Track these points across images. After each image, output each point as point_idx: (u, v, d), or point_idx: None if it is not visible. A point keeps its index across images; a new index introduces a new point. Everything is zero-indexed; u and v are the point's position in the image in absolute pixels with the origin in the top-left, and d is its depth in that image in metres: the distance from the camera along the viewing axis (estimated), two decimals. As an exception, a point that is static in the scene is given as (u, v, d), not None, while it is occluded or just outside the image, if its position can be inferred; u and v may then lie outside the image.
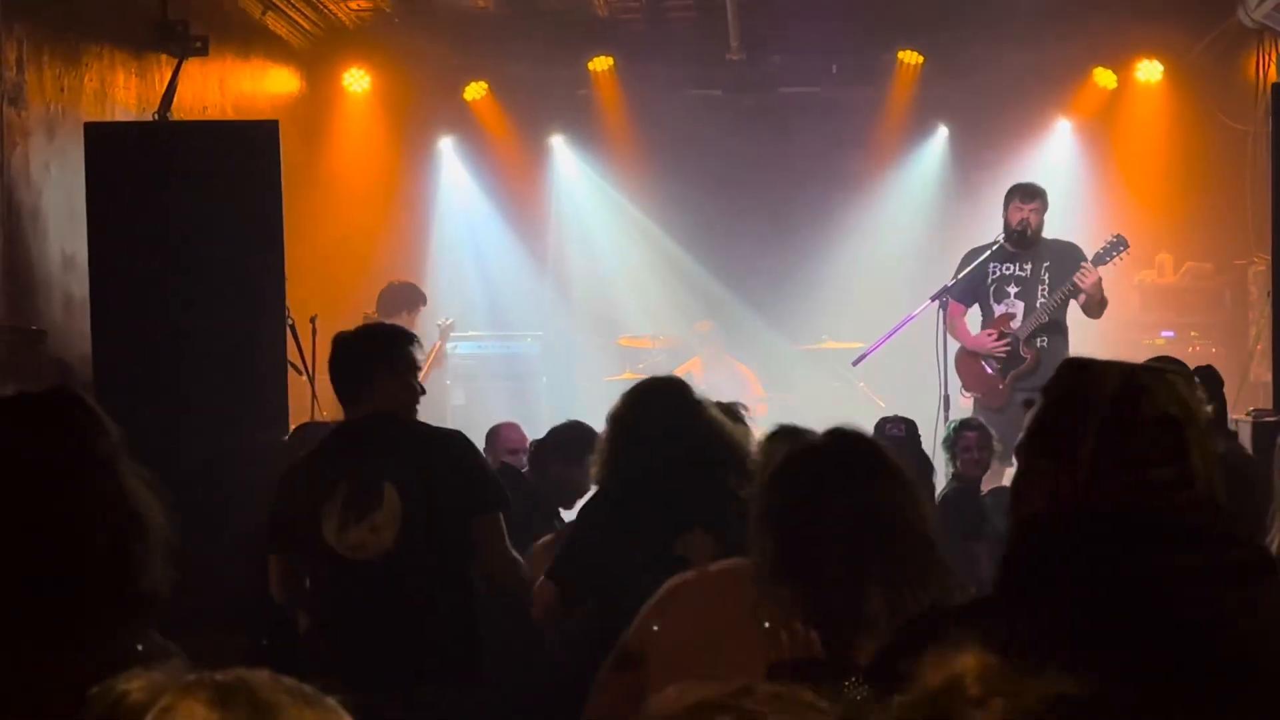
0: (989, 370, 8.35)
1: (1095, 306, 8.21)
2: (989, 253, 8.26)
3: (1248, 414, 6.87)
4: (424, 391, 4.56)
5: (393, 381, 4.45)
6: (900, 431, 6.04)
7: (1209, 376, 5.78)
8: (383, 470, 4.23)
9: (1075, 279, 8.03)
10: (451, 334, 10.50)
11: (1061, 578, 1.78)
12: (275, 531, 4.46)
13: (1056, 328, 8.27)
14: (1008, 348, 8.24)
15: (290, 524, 4.35)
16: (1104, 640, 1.69)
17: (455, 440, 4.49)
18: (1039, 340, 8.23)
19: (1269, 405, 7.07)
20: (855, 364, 8.81)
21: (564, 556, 4.30)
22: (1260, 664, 1.69)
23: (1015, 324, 8.26)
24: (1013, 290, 8.30)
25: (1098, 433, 1.88)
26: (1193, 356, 10.07)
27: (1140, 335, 10.76)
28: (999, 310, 8.33)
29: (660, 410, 4.31)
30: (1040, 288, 8.21)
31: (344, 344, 4.61)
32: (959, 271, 8.31)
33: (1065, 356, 8.08)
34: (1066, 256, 8.23)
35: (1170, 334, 10.79)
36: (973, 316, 8.63)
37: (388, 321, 9.55)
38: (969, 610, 1.89)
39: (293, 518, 4.33)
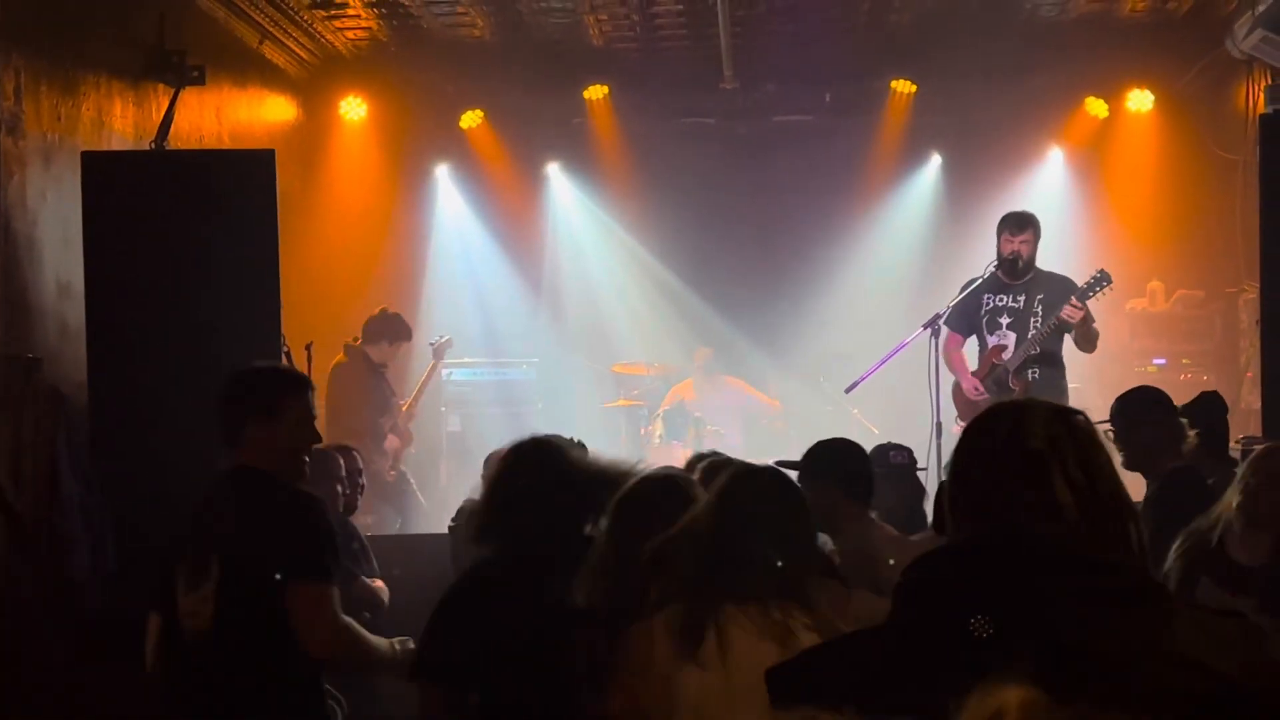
0: (981, 404, 8.40)
1: (1085, 341, 8.24)
2: (981, 282, 8.32)
3: (1237, 441, 6.90)
4: (311, 444, 4.12)
5: (265, 432, 4.01)
6: (904, 459, 6.11)
7: (1211, 403, 5.82)
8: (215, 539, 3.92)
9: (1062, 314, 8.06)
10: (448, 352, 10.47)
11: (917, 605, 1.86)
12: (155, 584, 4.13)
13: (1050, 359, 8.29)
14: (986, 397, 8.27)
15: (160, 578, 4.05)
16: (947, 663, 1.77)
17: (292, 505, 3.97)
18: (1030, 372, 8.26)
19: (1259, 433, 7.11)
20: (848, 391, 8.84)
21: (435, 648, 3.77)
22: (1116, 686, 1.75)
23: (1006, 355, 8.31)
24: (1005, 321, 8.35)
25: (950, 465, 1.98)
26: (1184, 384, 10.13)
27: (1132, 363, 10.82)
28: (991, 341, 8.39)
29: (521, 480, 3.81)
30: (1033, 319, 8.25)
31: (224, 382, 4.21)
32: (945, 315, 8.33)
33: (1058, 387, 8.19)
34: (1060, 289, 8.25)
35: (1162, 361, 10.85)
36: (972, 346, 8.69)
37: (368, 348, 9.57)
38: (860, 638, 1.97)
39: (161, 572, 4.05)
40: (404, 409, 9.80)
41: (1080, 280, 8.33)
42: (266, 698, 3.90)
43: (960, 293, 8.39)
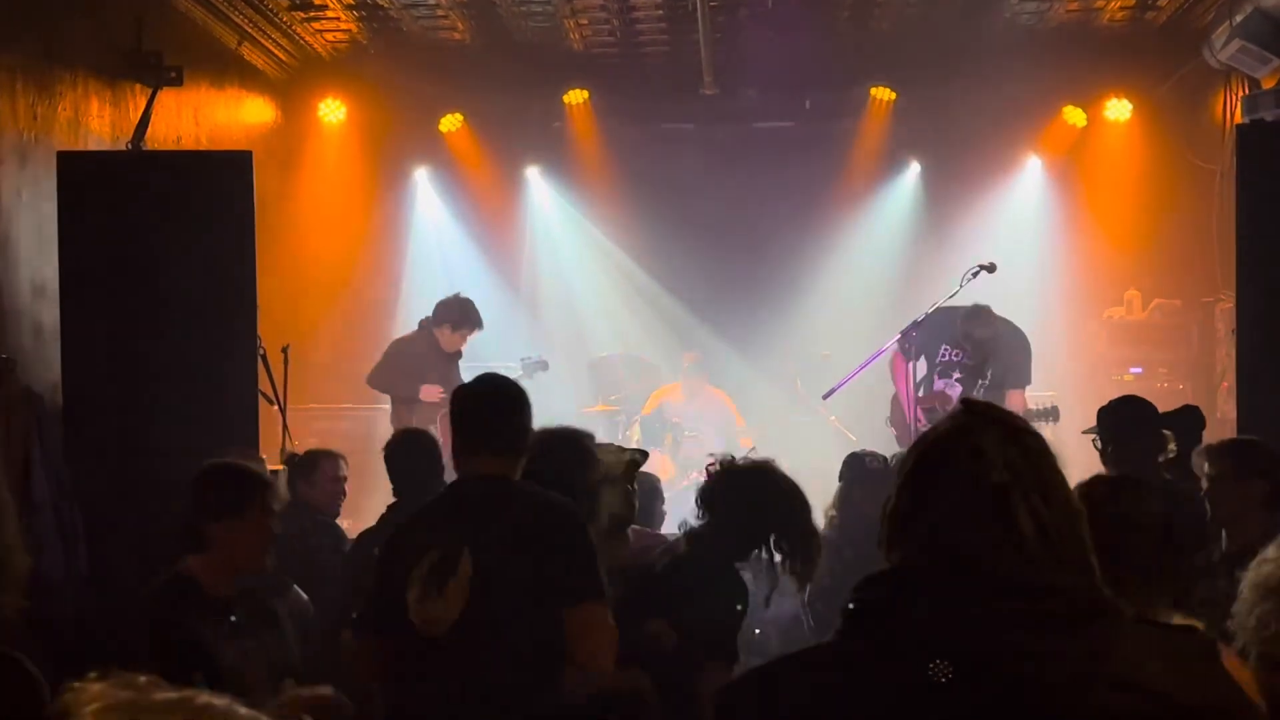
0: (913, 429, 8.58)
1: None
2: (942, 328, 8.57)
3: (1215, 450, 6.91)
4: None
5: (523, 442, 3.99)
6: (879, 465, 6.21)
7: (1187, 420, 5.82)
8: (466, 536, 3.76)
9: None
10: (537, 374, 10.14)
11: (864, 627, 1.88)
12: (365, 609, 4.00)
13: None
14: (925, 425, 8.48)
15: (380, 600, 3.89)
16: (908, 689, 1.77)
17: (559, 513, 3.86)
18: None
19: (1234, 442, 7.11)
20: (826, 397, 8.85)
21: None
22: (1060, 710, 1.76)
23: (950, 406, 8.48)
24: (956, 375, 8.74)
25: (899, 490, 1.96)
26: (1160, 393, 10.13)
27: (1110, 371, 10.84)
28: (939, 385, 8.65)
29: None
30: (981, 381, 8.64)
31: (501, 390, 4.06)
32: (922, 321, 8.34)
33: None
34: (1010, 356, 8.68)
35: (1139, 370, 10.88)
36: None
37: (436, 332, 9.40)
38: (807, 657, 1.97)
39: (382, 592, 3.87)
40: None
41: (1060, 287, 8.50)
42: (515, 702, 3.72)
43: (930, 317, 8.37)
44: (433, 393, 9.18)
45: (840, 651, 1.87)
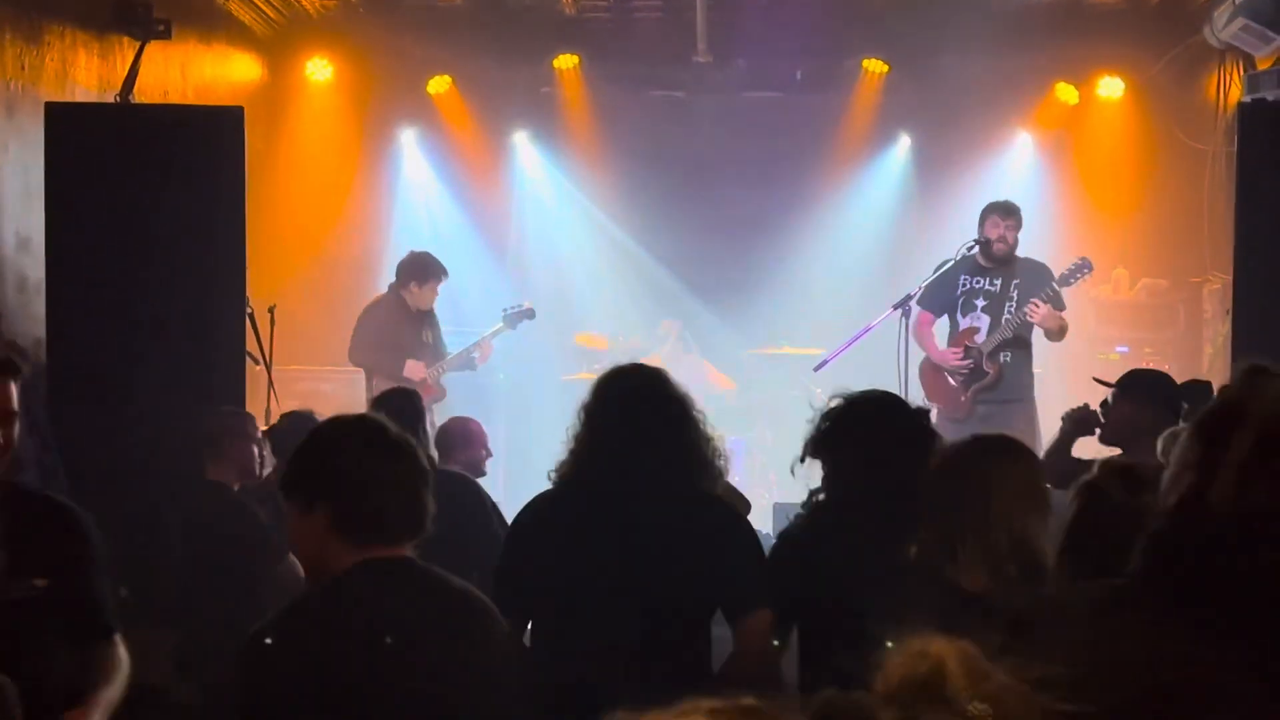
0: (952, 383, 8.43)
1: (1055, 334, 8.38)
2: (957, 263, 8.31)
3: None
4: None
5: None
6: None
7: (1195, 394, 5.81)
8: None
9: (1027, 311, 8.15)
10: (521, 324, 9.87)
11: (1195, 570, 1.85)
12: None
13: (1020, 343, 8.37)
14: (970, 364, 8.34)
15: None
16: (1230, 631, 1.75)
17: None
18: (1002, 355, 8.31)
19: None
20: (816, 370, 8.80)
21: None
22: None
23: (979, 338, 8.36)
24: (980, 304, 8.39)
25: (1253, 444, 1.89)
26: (1146, 372, 10.14)
27: (1095, 350, 10.83)
28: (964, 323, 8.42)
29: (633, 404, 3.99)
30: (1008, 304, 8.32)
31: None
32: (929, 279, 8.33)
33: (1027, 371, 8.25)
34: (1036, 275, 8.35)
35: (1124, 349, 10.87)
36: (941, 326, 8.70)
37: (402, 292, 9.33)
38: (1114, 592, 1.94)
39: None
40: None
41: (1060, 268, 8.40)
42: None
43: (934, 273, 8.36)
44: (417, 370, 9.17)
45: (1140, 589, 1.85)
